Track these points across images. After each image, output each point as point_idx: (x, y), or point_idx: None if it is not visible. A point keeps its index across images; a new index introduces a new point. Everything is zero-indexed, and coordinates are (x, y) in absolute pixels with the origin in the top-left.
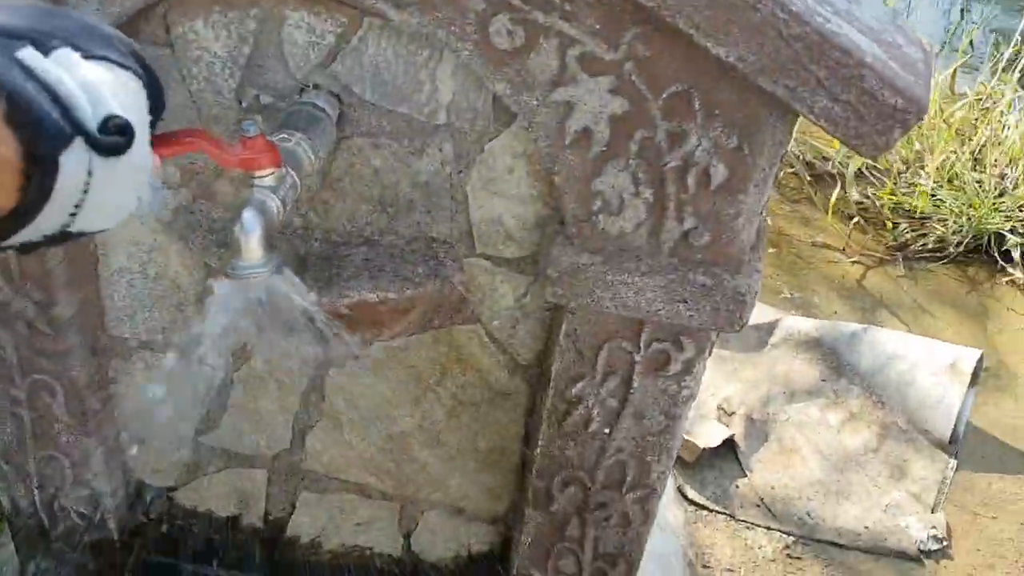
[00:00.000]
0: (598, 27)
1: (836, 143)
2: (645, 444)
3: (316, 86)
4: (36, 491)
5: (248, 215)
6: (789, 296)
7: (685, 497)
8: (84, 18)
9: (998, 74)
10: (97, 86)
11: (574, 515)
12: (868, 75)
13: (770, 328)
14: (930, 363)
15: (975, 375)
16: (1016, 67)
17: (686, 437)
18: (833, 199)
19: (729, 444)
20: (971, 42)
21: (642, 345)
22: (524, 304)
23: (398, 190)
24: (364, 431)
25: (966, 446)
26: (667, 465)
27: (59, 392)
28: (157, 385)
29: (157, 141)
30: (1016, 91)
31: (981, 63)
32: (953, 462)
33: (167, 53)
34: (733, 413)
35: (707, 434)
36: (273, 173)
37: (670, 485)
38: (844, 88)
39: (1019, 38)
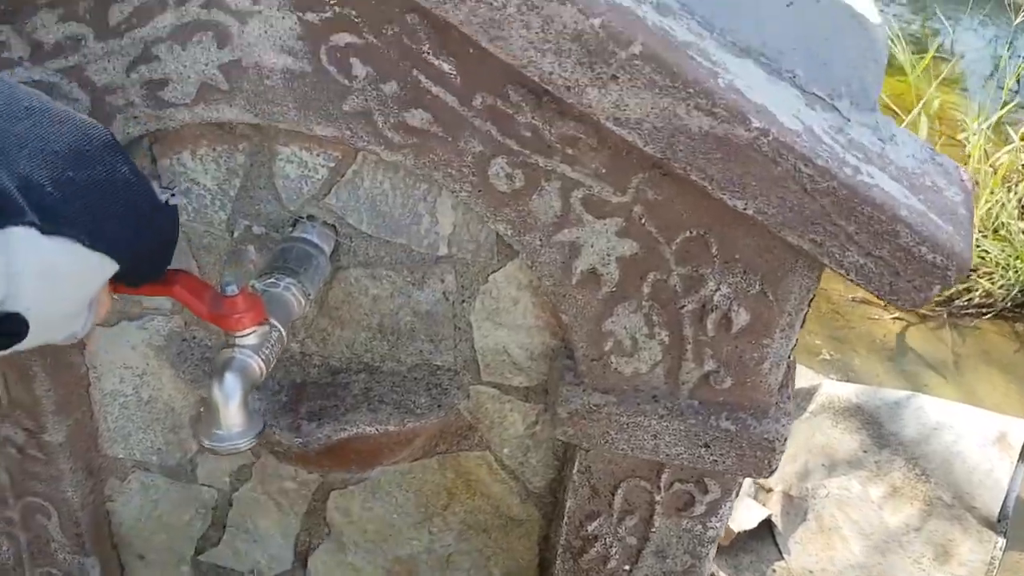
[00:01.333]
0: (603, 171)
1: None
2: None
3: (311, 217)
4: None
5: (228, 379)
6: (828, 357)
7: None
8: (115, 173)
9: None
10: (22, 277)
11: None
12: (903, 230)
13: (808, 394)
14: (977, 434)
15: None
16: None
17: None
18: None
19: (766, 523)
20: (1018, 78)
21: (662, 486)
22: (535, 432)
23: (398, 318)
24: (369, 554)
25: (1016, 524)
26: None
27: (53, 513)
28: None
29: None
30: None
31: None
32: (1002, 541)
33: (155, 185)
34: (771, 490)
35: (743, 515)
36: (255, 331)
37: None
38: (877, 244)
39: None
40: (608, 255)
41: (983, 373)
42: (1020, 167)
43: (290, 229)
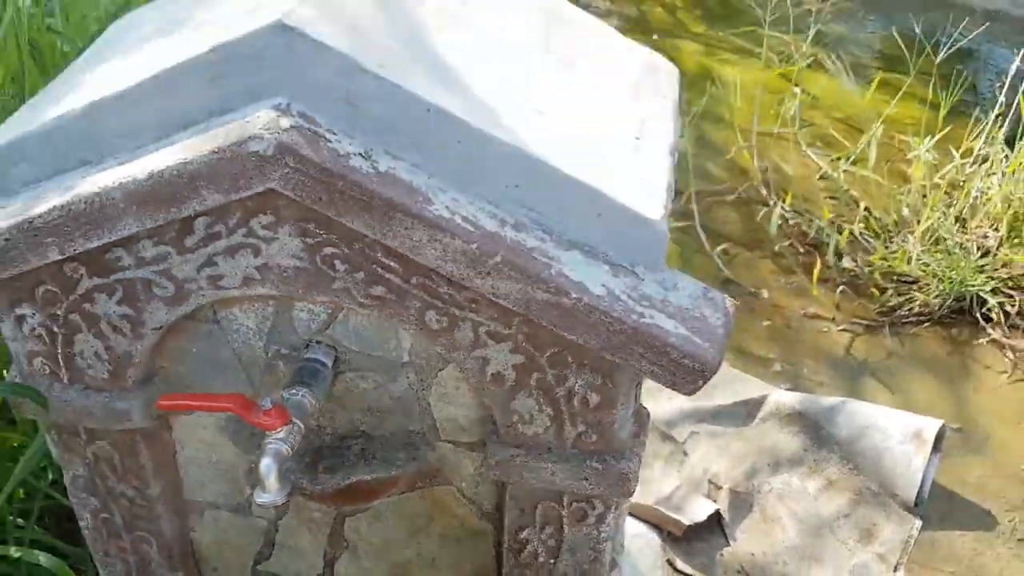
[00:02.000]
0: (495, 316)
1: (827, 213)
2: (581, 570)
3: (318, 342)
4: None
5: (266, 462)
6: (780, 369)
7: (674, 568)
8: None
9: (987, 131)
10: None
11: None
12: (672, 351)
13: (758, 403)
14: (898, 432)
15: (938, 441)
16: (1002, 123)
17: (673, 515)
18: (816, 272)
19: (716, 516)
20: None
21: (564, 505)
22: (481, 471)
23: (381, 402)
24: (376, 560)
25: (934, 508)
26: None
27: (153, 543)
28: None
29: (194, 398)
30: (1002, 150)
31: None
32: (918, 523)
33: (216, 328)
34: (720, 487)
35: (694, 511)
36: (284, 429)
37: (659, 555)
38: (658, 359)
39: (1001, 95)
40: (506, 364)
41: (919, 375)
42: (960, 183)
43: (304, 350)
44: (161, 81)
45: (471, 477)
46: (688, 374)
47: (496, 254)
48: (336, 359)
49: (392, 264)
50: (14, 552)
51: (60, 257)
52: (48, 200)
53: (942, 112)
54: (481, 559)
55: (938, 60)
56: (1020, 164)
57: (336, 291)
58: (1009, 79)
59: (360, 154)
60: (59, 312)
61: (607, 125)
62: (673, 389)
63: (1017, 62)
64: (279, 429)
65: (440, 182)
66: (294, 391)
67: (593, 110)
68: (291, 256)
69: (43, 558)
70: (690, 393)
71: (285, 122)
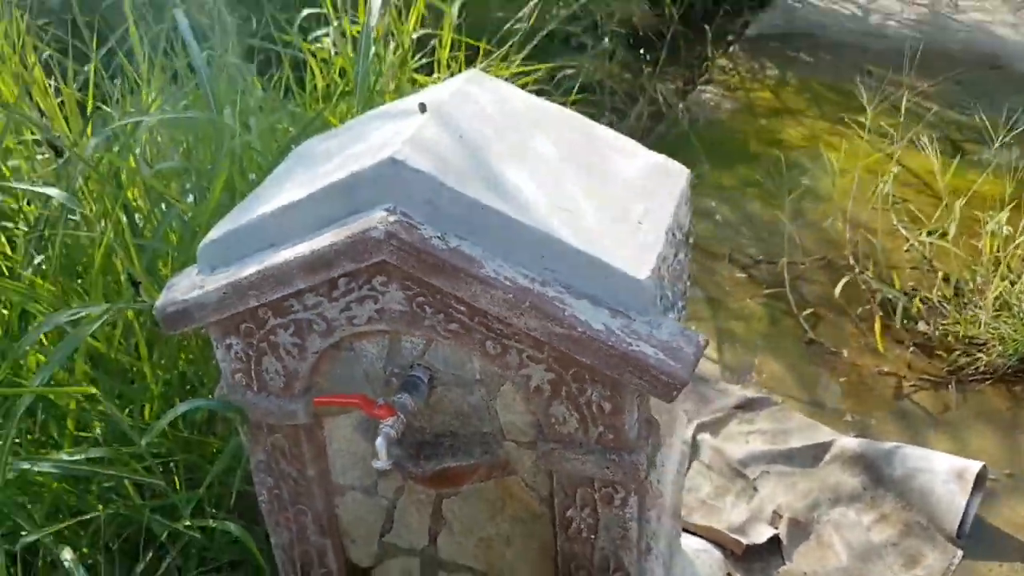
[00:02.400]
0: (532, 344)
1: (897, 282)
2: (616, 544)
3: (418, 364)
4: (300, 570)
5: (379, 440)
6: (850, 419)
7: None
8: None
9: None
10: None
11: None
12: (651, 368)
13: (826, 447)
14: (944, 472)
15: (979, 481)
16: None
17: (733, 535)
18: (878, 332)
19: (775, 540)
20: None
21: (596, 489)
22: (537, 464)
23: (463, 409)
24: (466, 535)
25: (976, 541)
26: (633, 557)
27: (309, 515)
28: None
29: (336, 397)
30: None
31: None
32: (960, 553)
33: (351, 354)
34: (782, 516)
35: (755, 534)
36: (392, 419)
37: (718, 565)
38: (642, 375)
39: None
40: (543, 379)
41: (977, 427)
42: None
43: (409, 370)
44: (319, 195)
45: (530, 469)
46: (664, 386)
47: (526, 301)
48: (431, 377)
49: (461, 308)
50: (212, 523)
51: (256, 304)
52: (251, 267)
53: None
54: (544, 536)
55: None
56: None
57: (426, 327)
58: None
59: (438, 237)
60: (254, 341)
61: (618, 213)
62: (655, 397)
63: None
64: (388, 419)
65: (490, 254)
66: (400, 396)
67: (609, 203)
68: (397, 303)
69: (233, 527)
70: (668, 401)
71: (392, 219)
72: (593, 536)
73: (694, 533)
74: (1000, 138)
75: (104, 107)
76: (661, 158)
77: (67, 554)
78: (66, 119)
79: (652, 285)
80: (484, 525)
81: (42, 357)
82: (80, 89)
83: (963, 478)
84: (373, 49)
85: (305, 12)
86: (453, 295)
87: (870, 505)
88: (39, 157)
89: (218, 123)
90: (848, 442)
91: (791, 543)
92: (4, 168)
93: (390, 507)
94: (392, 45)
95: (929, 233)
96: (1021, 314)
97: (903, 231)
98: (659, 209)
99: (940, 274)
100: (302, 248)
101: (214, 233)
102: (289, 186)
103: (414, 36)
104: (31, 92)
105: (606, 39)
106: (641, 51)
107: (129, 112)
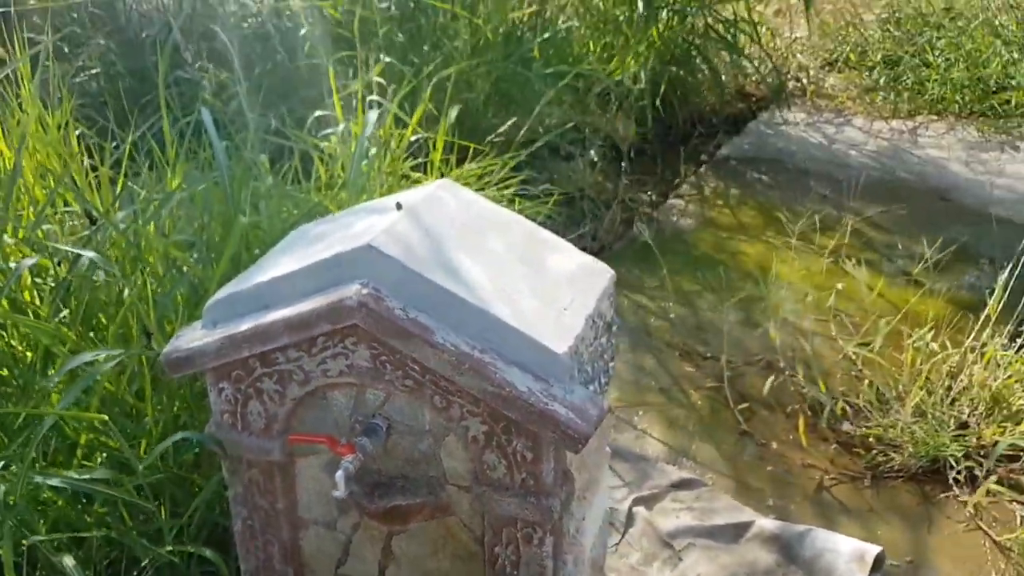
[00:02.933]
0: (471, 401)
1: (822, 386)
2: None
3: (378, 413)
4: None
5: (339, 473)
6: (772, 504)
7: None
8: None
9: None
10: None
11: None
12: (562, 424)
13: (747, 526)
14: (847, 554)
15: (878, 563)
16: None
17: None
18: (803, 430)
19: None
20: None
21: (519, 528)
22: (474, 506)
23: (413, 455)
24: (412, 570)
25: None
26: None
27: (276, 544)
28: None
29: (308, 436)
30: (1001, 344)
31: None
32: None
33: (324, 402)
34: None
35: None
36: (352, 456)
37: None
38: (555, 429)
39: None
40: (478, 431)
41: (886, 519)
42: (949, 369)
43: (371, 418)
44: (308, 269)
45: (467, 511)
46: (571, 439)
47: (466, 363)
48: (389, 425)
49: (415, 367)
50: (191, 549)
51: (248, 355)
52: (246, 324)
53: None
54: (477, 574)
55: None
56: (993, 357)
57: (387, 381)
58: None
59: (400, 308)
60: (242, 387)
61: (548, 300)
62: (566, 448)
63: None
64: (348, 456)
65: (441, 325)
66: (360, 439)
67: (542, 292)
68: (364, 360)
69: (208, 552)
70: (575, 452)
71: (364, 291)
72: (515, 572)
73: None
74: (932, 263)
75: (132, 186)
76: (590, 259)
77: (68, 560)
78: (98, 192)
79: (568, 359)
80: (427, 561)
81: (57, 395)
82: (112, 166)
83: (863, 560)
84: (369, 150)
85: (317, 113)
86: (409, 356)
87: None
88: (69, 224)
89: (231, 205)
90: (767, 523)
91: None
92: (40, 232)
93: (347, 541)
94: (389, 147)
95: (861, 345)
96: (935, 421)
97: (840, 341)
98: (582, 299)
99: (866, 381)
100: (290, 311)
101: (219, 295)
102: (284, 260)
103: (412, 139)
104: (71, 168)
105: (592, 152)
106: (621, 164)
107: (155, 189)
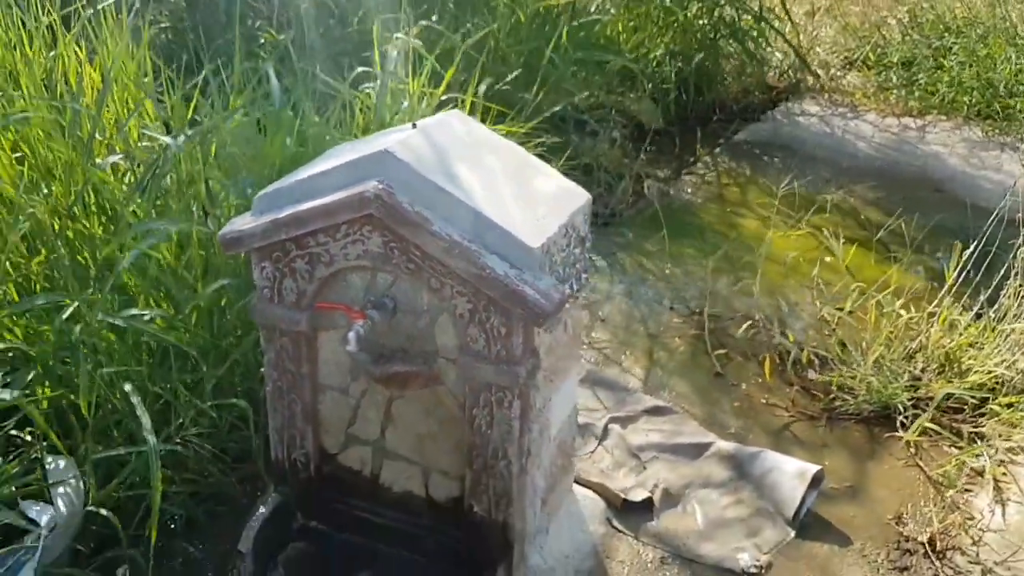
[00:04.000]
0: (460, 282)
1: (791, 338)
2: (503, 438)
3: (386, 295)
4: (286, 451)
5: (351, 333)
6: (733, 433)
7: (611, 523)
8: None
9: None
10: None
11: (482, 472)
12: (529, 302)
13: (707, 446)
14: (790, 471)
15: (816, 481)
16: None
17: (616, 490)
18: (767, 371)
19: (649, 502)
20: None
21: (492, 392)
22: (459, 377)
23: (413, 331)
24: (406, 431)
25: (809, 527)
26: (515, 451)
27: (299, 404)
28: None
29: (330, 304)
30: (961, 308)
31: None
32: (792, 532)
33: (345, 283)
34: (657, 487)
35: (634, 493)
36: (362, 322)
37: (600, 511)
38: (523, 305)
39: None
40: (465, 308)
41: (835, 452)
42: (911, 324)
43: (381, 297)
44: (338, 169)
45: (454, 380)
46: (535, 315)
47: (456, 249)
48: (395, 304)
49: (416, 253)
50: (231, 400)
51: (285, 238)
52: (286, 212)
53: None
54: (459, 435)
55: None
56: (949, 321)
57: (394, 265)
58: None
59: (407, 202)
60: (280, 266)
61: (529, 208)
62: (532, 323)
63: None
64: (359, 321)
65: (438, 218)
66: (371, 310)
67: (525, 201)
68: (377, 247)
69: (241, 402)
70: (540, 326)
71: (379, 186)
72: (490, 431)
73: (588, 487)
74: (912, 242)
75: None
76: (572, 184)
77: (128, 386)
78: (173, 109)
79: (540, 254)
80: (420, 424)
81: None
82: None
83: (803, 476)
84: (402, 103)
85: (359, 70)
86: (412, 242)
87: (731, 491)
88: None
89: (280, 134)
90: (725, 444)
91: (661, 507)
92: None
93: (356, 405)
94: (422, 103)
95: (836, 309)
96: (890, 373)
97: (817, 304)
98: (559, 211)
99: (835, 337)
100: (320, 201)
101: (266, 190)
102: (320, 165)
103: (443, 98)
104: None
105: (615, 129)
106: (642, 143)
107: (221, 112)
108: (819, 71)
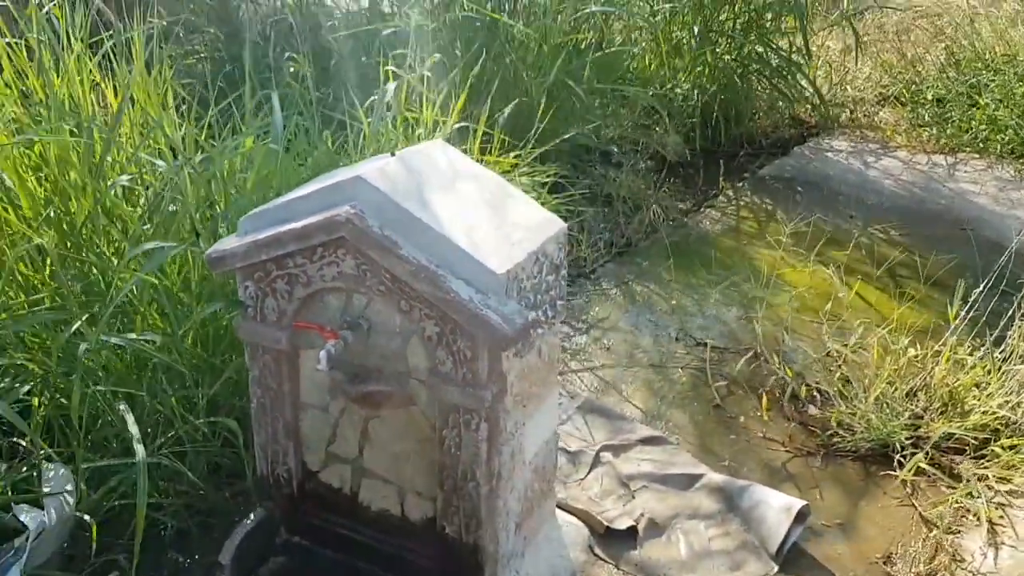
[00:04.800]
0: (427, 305)
1: (789, 372)
2: (472, 459)
3: (361, 316)
4: (270, 467)
5: (322, 353)
6: (726, 466)
7: (593, 551)
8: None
9: (959, 330)
10: None
11: (453, 493)
12: (493, 327)
13: (697, 478)
14: (777, 507)
15: (801, 516)
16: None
17: (600, 517)
18: (764, 406)
19: (633, 531)
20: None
21: (460, 414)
22: (431, 398)
23: (387, 352)
24: (383, 450)
25: (794, 563)
26: (483, 473)
27: (280, 421)
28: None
29: (305, 323)
30: (969, 347)
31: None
32: (775, 567)
33: (321, 304)
34: (643, 515)
35: (618, 521)
36: (334, 342)
37: (583, 538)
38: (486, 331)
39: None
40: (433, 331)
41: (829, 488)
42: (916, 362)
43: (356, 318)
44: (315, 194)
45: (426, 401)
46: (499, 339)
47: (423, 274)
48: (369, 325)
49: (387, 276)
50: (220, 419)
51: (266, 258)
52: (265, 233)
53: (923, 320)
54: (432, 456)
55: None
56: (954, 360)
57: (367, 287)
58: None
59: (378, 227)
60: (262, 286)
61: (502, 236)
62: (495, 348)
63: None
64: (331, 341)
65: (407, 242)
66: (344, 331)
67: (499, 229)
68: (350, 268)
69: (231, 423)
70: (503, 349)
71: (351, 211)
72: (459, 452)
73: (572, 513)
74: (928, 280)
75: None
76: (547, 213)
77: (123, 406)
78: (183, 139)
79: (506, 280)
80: (394, 443)
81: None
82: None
83: (789, 511)
84: (417, 132)
85: (371, 99)
86: (382, 265)
87: (718, 524)
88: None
89: (284, 160)
90: (716, 477)
91: (645, 536)
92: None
93: (335, 423)
94: (434, 131)
95: (842, 345)
96: (890, 411)
97: (825, 339)
98: (531, 239)
99: (838, 373)
100: (297, 224)
101: (251, 213)
102: (301, 190)
103: (455, 126)
104: (163, 120)
105: (638, 161)
106: (664, 174)
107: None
108: (853, 107)
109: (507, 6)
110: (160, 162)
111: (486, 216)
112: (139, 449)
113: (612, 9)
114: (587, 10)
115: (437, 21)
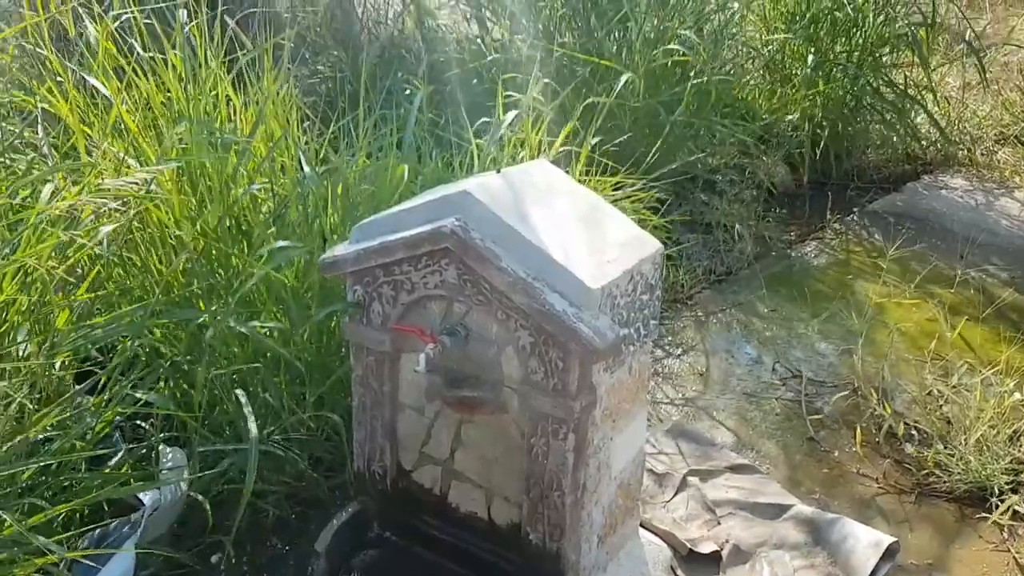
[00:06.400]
0: (522, 315)
1: (887, 409)
2: (558, 469)
3: (460, 323)
4: (367, 463)
5: (422, 355)
6: (817, 498)
7: (674, 572)
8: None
9: None
10: None
11: (539, 500)
12: (584, 339)
13: (786, 508)
14: (865, 541)
15: (890, 552)
16: None
17: (683, 539)
18: (858, 441)
19: (716, 556)
20: None
21: (549, 423)
22: (522, 407)
23: (483, 360)
24: (474, 454)
25: None
26: (568, 483)
27: (379, 420)
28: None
29: (406, 327)
30: None
31: None
32: None
33: (424, 310)
34: (728, 541)
35: (702, 545)
36: (433, 346)
37: (666, 559)
38: (578, 342)
39: None
40: (527, 341)
41: (920, 527)
42: (1021, 406)
43: (455, 325)
44: (423, 206)
45: (517, 409)
46: (590, 351)
47: (520, 285)
48: (467, 333)
49: (486, 286)
50: (325, 414)
51: (374, 264)
52: (376, 241)
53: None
54: (520, 463)
55: None
56: None
57: (467, 296)
58: None
59: (480, 238)
60: (369, 290)
61: (596, 252)
62: (586, 360)
63: None
64: (430, 345)
65: (507, 255)
66: (442, 336)
67: (594, 246)
68: (452, 278)
69: (335, 417)
70: (594, 362)
71: (456, 223)
72: (546, 460)
73: (656, 533)
74: None
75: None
76: (645, 233)
77: (240, 392)
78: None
79: (600, 296)
80: (485, 448)
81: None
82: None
83: (878, 547)
84: (521, 154)
85: (481, 120)
86: (482, 276)
87: (805, 555)
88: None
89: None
90: (805, 508)
91: (729, 563)
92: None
93: (430, 425)
94: (539, 153)
95: (944, 384)
96: (991, 455)
97: (929, 377)
98: (626, 257)
99: (938, 413)
100: (405, 233)
101: (362, 222)
102: (411, 203)
103: (560, 150)
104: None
105: (743, 190)
106: (769, 204)
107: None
108: (971, 145)
109: (613, 35)
110: (285, 174)
111: (583, 232)
112: (252, 427)
113: (721, 39)
114: (690, 37)
115: (544, 51)
